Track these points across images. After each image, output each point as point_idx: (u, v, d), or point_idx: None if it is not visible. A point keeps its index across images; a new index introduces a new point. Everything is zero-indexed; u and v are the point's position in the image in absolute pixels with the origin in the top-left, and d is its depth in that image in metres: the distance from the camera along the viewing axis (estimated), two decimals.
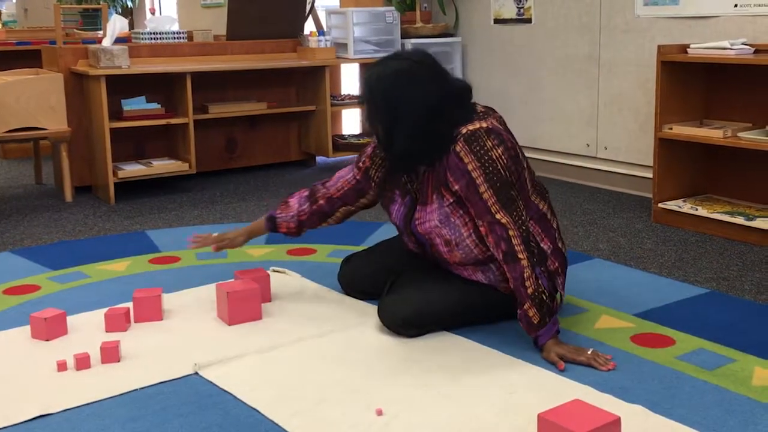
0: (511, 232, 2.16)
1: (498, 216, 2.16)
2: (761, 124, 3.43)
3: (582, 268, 2.96)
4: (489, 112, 2.29)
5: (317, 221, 2.60)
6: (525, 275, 2.15)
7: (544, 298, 2.15)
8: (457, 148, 2.18)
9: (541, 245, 2.29)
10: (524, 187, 2.27)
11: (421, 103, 2.18)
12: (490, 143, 2.18)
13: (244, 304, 2.46)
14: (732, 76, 3.62)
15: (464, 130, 2.19)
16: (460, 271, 2.36)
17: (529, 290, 2.14)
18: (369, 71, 2.26)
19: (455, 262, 2.33)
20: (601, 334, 2.34)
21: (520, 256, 2.16)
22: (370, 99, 2.24)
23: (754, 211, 3.47)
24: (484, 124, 2.21)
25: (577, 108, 4.50)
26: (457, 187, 2.20)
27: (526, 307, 2.16)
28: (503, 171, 2.17)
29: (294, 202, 2.61)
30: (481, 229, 2.21)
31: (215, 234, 2.70)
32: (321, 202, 2.57)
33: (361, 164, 2.52)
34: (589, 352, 2.13)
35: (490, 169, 2.16)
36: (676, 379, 2.05)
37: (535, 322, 2.15)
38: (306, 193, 2.61)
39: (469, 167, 2.17)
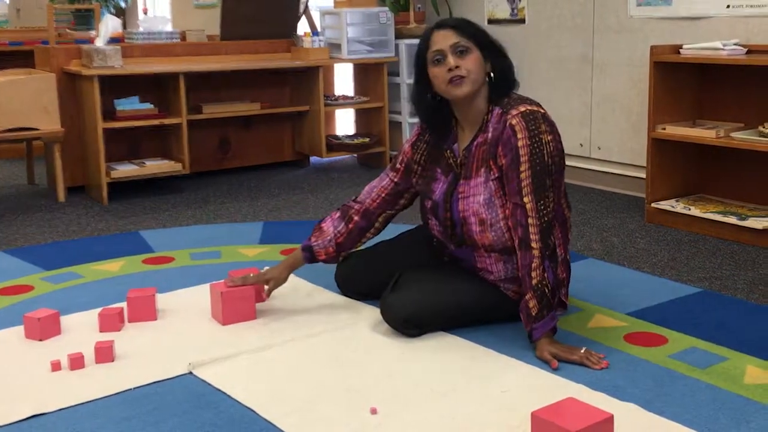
0: (530, 220, 2.17)
1: (525, 199, 2.18)
2: (753, 124, 3.45)
3: (575, 267, 2.95)
4: (541, 105, 2.35)
5: (357, 238, 2.54)
6: (533, 265, 2.16)
7: (546, 291, 2.16)
8: (514, 122, 2.21)
9: (558, 250, 2.29)
10: (559, 189, 2.29)
11: (499, 51, 2.36)
12: (544, 127, 2.22)
13: (238, 304, 2.47)
14: (724, 76, 3.64)
15: (523, 108, 2.24)
16: (483, 260, 2.34)
17: (534, 281, 2.16)
18: (452, 19, 2.41)
19: (485, 244, 2.31)
20: (594, 333, 2.35)
21: (534, 245, 2.17)
22: (482, 39, 2.34)
23: (747, 210, 3.48)
24: (542, 111, 2.26)
25: (570, 108, 4.51)
26: (503, 161, 2.23)
27: (527, 297, 2.17)
28: (547, 157, 2.20)
29: (328, 226, 2.54)
30: (507, 210, 2.23)
31: (253, 275, 2.55)
32: (356, 218, 2.52)
33: (399, 165, 2.51)
34: (582, 351, 2.14)
35: (537, 151, 2.19)
36: (669, 377, 2.06)
37: (533, 313, 2.16)
38: (338, 215, 2.55)
39: (520, 143, 2.19)
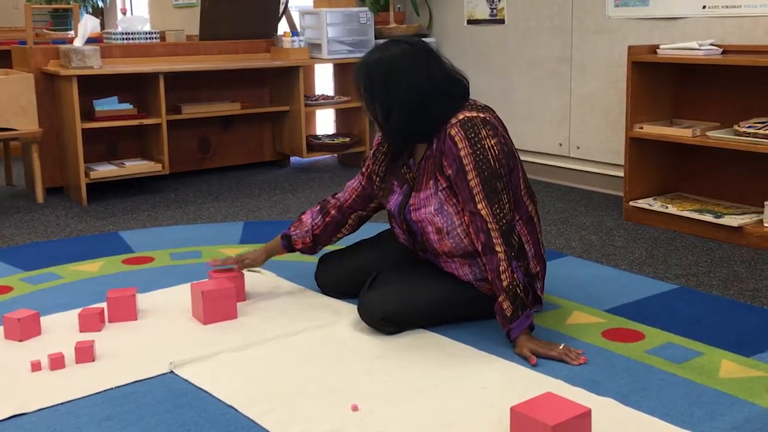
0: (489, 225, 2.20)
1: (480, 206, 2.20)
2: (729, 123, 3.49)
3: (554, 265, 2.99)
4: (487, 108, 2.34)
5: (332, 232, 2.62)
6: (501, 268, 2.18)
7: (518, 291, 2.18)
8: (452, 132, 2.22)
9: (525, 247, 2.31)
10: (517, 186, 2.31)
11: (417, 85, 2.25)
12: (484, 132, 2.22)
13: (219, 304, 2.47)
14: (700, 76, 3.68)
15: (461, 116, 2.24)
16: (448, 265, 2.38)
17: (505, 283, 2.18)
18: (367, 55, 2.34)
19: (444, 251, 2.34)
20: (573, 330, 2.38)
21: (498, 249, 2.19)
22: (368, 81, 2.30)
23: (723, 208, 3.53)
24: (482, 114, 2.26)
25: (549, 108, 4.55)
26: (450, 172, 2.25)
27: (500, 299, 2.19)
28: (493, 162, 2.21)
29: (307, 217, 2.64)
30: (465, 218, 2.25)
31: (234, 255, 2.71)
32: (333, 212, 2.60)
33: (364, 169, 2.56)
34: (561, 347, 2.17)
35: (481, 157, 2.20)
36: (646, 372, 2.09)
37: (509, 314, 2.18)
38: (317, 208, 2.64)
39: (462, 153, 2.21)
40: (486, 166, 2.20)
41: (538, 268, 2.38)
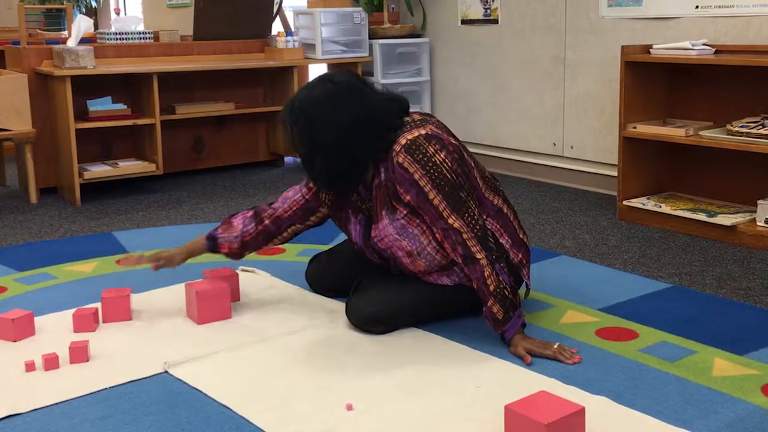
0: (465, 236, 2.19)
1: (450, 221, 2.18)
2: (722, 122, 3.50)
3: (548, 264, 3.00)
4: (426, 119, 2.28)
5: (263, 242, 2.53)
6: (485, 274, 2.18)
7: (506, 293, 2.18)
8: (400, 160, 2.18)
9: (501, 241, 2.32)
10: (476, 186, 2.30)
11: (335, 127, 2.17)
12: (431, 149, 2.18)
13: (214, 303, 2.47)
14: (694, 76, 3.70)
15: (403, 141, 2.19)
16: (427, 278, 2.38)
17: (491, 287, 2.18)
18: (294, 96, 2.27)
19: (420, 271, 2.34)
20: (566, 329, 2.38)
21: (478, 256, 2.18)
22: (290, 125, 2.24)
23: (716, 207, 3.54)
24: (423, 131, 2.21)
25: (543, 108, 4.55)
26: (408, 198, 2.21)
27: (489, 304, 2.19)
28: (449, 174, 2.19)
29: (238, 222, 2.53)
30: (437, 235, 2.23)
31: (148, 253, 2.62)
32: (267, 222, 2.51)
33: (312, 185, 2.48)
34: (555, 346, 2.17)
35: (436, 174, 2.17)
36: (639, 371, 2.09)
37: (500, 317, 2.18)
38: (250, 214, 2.54)
39: (416, 176, 2.17)
40: (443, 181, 2.18)
41: (520, 255, 2.37)
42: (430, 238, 2.26)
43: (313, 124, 2.19)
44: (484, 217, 2.29)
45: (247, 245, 2.53)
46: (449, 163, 2.19)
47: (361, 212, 2.36)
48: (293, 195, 2.53)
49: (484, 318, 2.25)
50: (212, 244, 2.54)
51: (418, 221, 2.24)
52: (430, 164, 2.17)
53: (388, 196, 2.26)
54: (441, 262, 2.30)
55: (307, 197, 2.50)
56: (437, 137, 2.21)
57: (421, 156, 2.17)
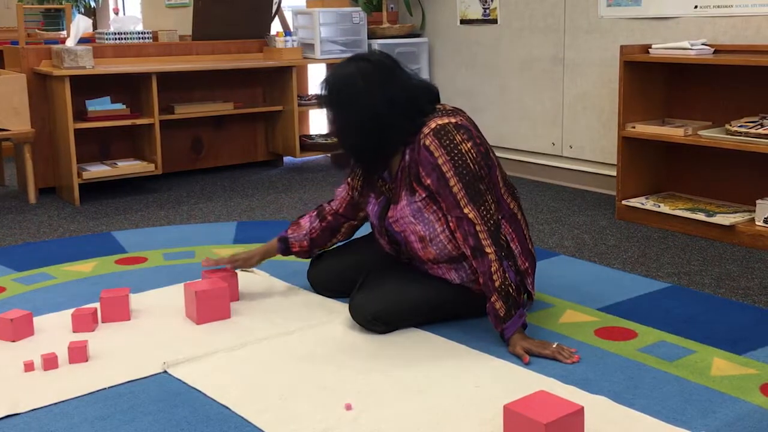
0: (477, 227, 2.19)
1: (465, 210, 2.20)
2: (721, 122, 3.51)
3: (547, 264, 3.00)
4: (457, 111, 2.33)
5: (328, 237, 2.63)
6: (492, 269, 2.18)
7: (511, 291, 2.19)
8: (427, 142, 2.22)
9: (511, 245, 2.32)
10: (497, 185, 2.31)
11: (371, 105, 2.23)
12: (459, 137, 2.22)
13: (213, 303, 2.47)
14: (692, 75, 3.70)
15: (433, 125, 2.23)
16: (434, 270, 2.38)
17: (497, 283, 2.18)
18: (327, 73, 2.31)
19: (429, 259, 2.35)
20: (565, 329, 2.39)
21: (488, 250, 2.19)
22: (326, 100, 2.29)
23: (715, 207, 3.54)
24: (453, 120, 2.25)
25: (542, 107, 4.56)
26: (429, 182, 2.24)
27: (493, 299, 2.19)
28: (472, 165, 2.21)
29: (305, 222, 2.64)
30: (451, 223, 2.25)
31: (228, 255, 2.71)
32: (329, 218, 2.60)
33: (349, 180, 2.55)
34: (554, 346, 2.17)
35: (460, 162, 2.20)
36: (638, 370, 2.09)
37: (502, 314, 2.18)
38: (314, 213, 2.64)
39: (439, 161, 2.20)
40: (466, 170, 2.20)
41: (527, 264, 2.38)
42: (444, 226, 2.27)
43: (348, 102, 2.24)
44: (498, 214, 2.29)
45: (315, 242, 2.63)
46: (474, 154, 2.22)
47: (383, 194, 2.40)
48: (341, 192, 2.61)
49: (486, 314, 2.25)
50: (284, 245, 2.64)
51: (434, 207, 2.27)
52: (456, 151, 2.20)
53: (409, 177, 2.28)
54: (452, 252, 2.30)
55: (349, 193, 2.56)
56: (466, 128, 2.25)
57: (448, 142, 2.20)
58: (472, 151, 2.22)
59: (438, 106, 2.32)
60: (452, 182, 2.20)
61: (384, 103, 2.23)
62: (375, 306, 2.33)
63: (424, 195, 2.27)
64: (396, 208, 2.33)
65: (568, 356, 2.15)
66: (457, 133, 2.22)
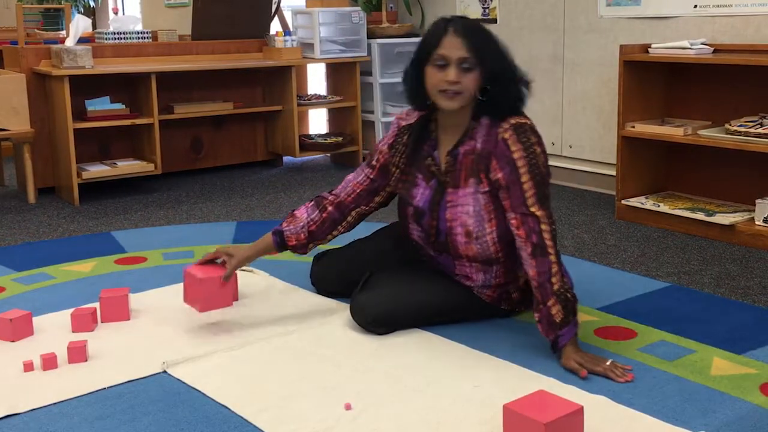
0: (543, 226, 2.16)
1: (533, 209, 2.17)
2: (720, 122, 3.51)
3: None
4: (526, 116, 2.31)
5: (328, 229, 2.48)
6: (553, 270, 2.13)
7: (569, 295, 2.12)
8: (506, 136, 2.21)
9: None
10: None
11: (507, 55, 2.31)
12: (534, 138, 2.23)
13: (216, 290, 2.37)
14: (692, 75, 3.70)
15: (513, 121, 2.23)
16: (463, 268, 2.35)
17: (556, 286, 2.12)
18: (461, 20, 2.26)
19: (468, 255, 2.31)
20: None
21: (550, 250, 2.15)
22: (483, 42, 2.24)
23: (714, 207, 3.54)
24: (529, 122, 2.26)
25: (541, 107, 4.55)
26: (499, 176, 2.21)
27: (549, 303, 2.11)
28: (543, 167, 2.22)
29: (301, 213, 2.49)
30: (513, 221, 2.19)
31: (216, 250, 2.49)
32: (330, 208, 2.47)
33: (375, 162, 2.46)
34: (608, 363, 2.07)
35: (534, 162, 2.20)
36: (638, 370, 2.09)
37: (558, 320, 2.10)
38: (312, 203, 2.51)
39: (515, 155, 2.20)
40: (537, 171, 2.20)
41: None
42: (494, 228, 2.25)
43: (503, 51, 2.29)
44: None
45: (314, 234, 2.48)
46: (544, 159, 2.23)
47: (434, 177, 2.34)
48: (355, 177, 2.50)
49: (537, 322, 2.15)
50: (279, 239, 2.48)
51: (491, 207, 2.25)
52: (531, 150, 2.20)
53: (478, 165, 2.25)
54: (492, 255, 2.29)
55: (371, 177, 2.47)
56: (539, 135, 2.26)
57: (526, 140, 2.21)
58: (543, 155, 2.23)
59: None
60: (524, 178, 2.19)
61: (514, 67, 2.30)
62: (376, 308, 2.32)
63: (487, 188, 2.24)
64: (458, 193, 2.28)
65: (621, 375, 2.03)
66: (533, 134, 2.23)
